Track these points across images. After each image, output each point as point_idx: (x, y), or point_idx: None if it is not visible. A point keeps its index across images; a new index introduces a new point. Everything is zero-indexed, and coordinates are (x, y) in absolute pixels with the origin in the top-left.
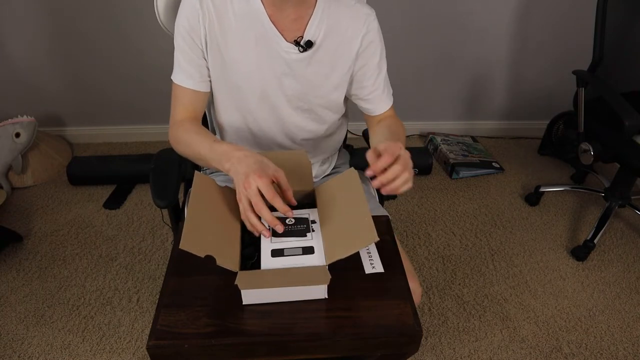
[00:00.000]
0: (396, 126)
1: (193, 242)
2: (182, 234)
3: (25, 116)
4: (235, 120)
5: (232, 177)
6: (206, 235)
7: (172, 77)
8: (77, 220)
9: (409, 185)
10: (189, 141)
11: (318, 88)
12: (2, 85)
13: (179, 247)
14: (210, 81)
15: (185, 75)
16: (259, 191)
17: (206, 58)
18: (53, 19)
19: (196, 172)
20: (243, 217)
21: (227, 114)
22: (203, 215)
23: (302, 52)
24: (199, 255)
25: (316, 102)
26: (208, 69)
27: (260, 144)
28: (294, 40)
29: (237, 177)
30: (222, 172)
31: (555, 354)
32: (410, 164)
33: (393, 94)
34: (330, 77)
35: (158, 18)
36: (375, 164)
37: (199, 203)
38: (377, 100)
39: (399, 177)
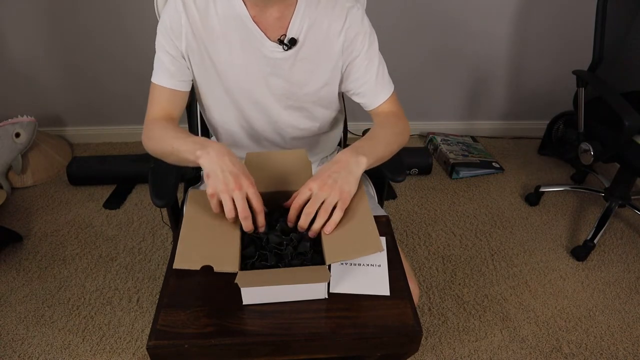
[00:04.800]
0: (385, 127)
1: (186, 260)
2: (176, 254)
3: (25, 116)
4: (228, 121)
5: (203, 164)
6: (202, 248)
7: (152, 79)
8: (77, 220)
9: (333, 222)
10: (162, 136)
11: (305, 86)
12: (2, 85)
13: (173, 267)
14: (191, 81)
15: (166, 74)
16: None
17: (187, 59)
18: (53, 19)
19: (190, 190)
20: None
21: (219, 115)
22: (198, 228)
23: (286, 50)
24: (194, 269)
25: (305, 100)
26: (190, 70)
27: (255, 144)
28: (278, 39)
29: (215, 167)
30: None
31: (555, 354)
32: (321, 199)
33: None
34: (316, 74)
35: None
36: (288, 217)
37: (193, 218)
38: (370, 93)
39: (318, 218)
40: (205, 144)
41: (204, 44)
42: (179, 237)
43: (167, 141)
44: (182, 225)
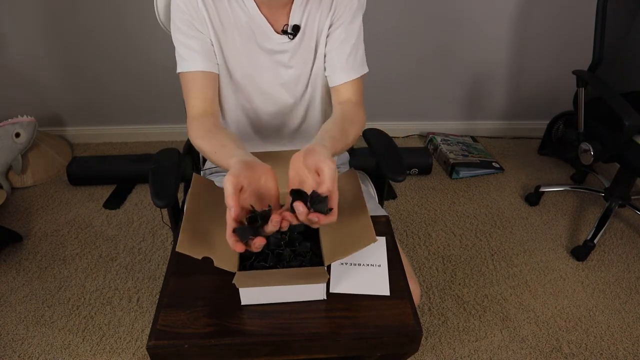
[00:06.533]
0: (345, 120)
1: (189, 245)
2: (179, 237)
3: (25, 116)
4: (234, 111)
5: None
6: (203, 237)
7: (178, 70)
8: (77, 220)
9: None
10: (203, 148)
11: (312, 70)
12: (2, 85)
13: (175, 250)
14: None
15: (194, 58)
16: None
17: (212, 42)
18: (53, 19)
19: (194, 174)
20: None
21: (226, 104)
22: (200, 217)
23: (292, 39)
24: (195, 257)
25: (312, 86)
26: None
27: (260, 135)
28: (282, 30)
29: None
30: (222, 171)
31: (555, 354)
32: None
33: (392, 94)
34: (320, 57)
35: (158, 18)
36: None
37: (196, 205)
38: (338, 67)
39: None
40: (230, 170)
41: (215, 31)
42: (182, 223)
43: (208, 155)
44: (185, 212)
